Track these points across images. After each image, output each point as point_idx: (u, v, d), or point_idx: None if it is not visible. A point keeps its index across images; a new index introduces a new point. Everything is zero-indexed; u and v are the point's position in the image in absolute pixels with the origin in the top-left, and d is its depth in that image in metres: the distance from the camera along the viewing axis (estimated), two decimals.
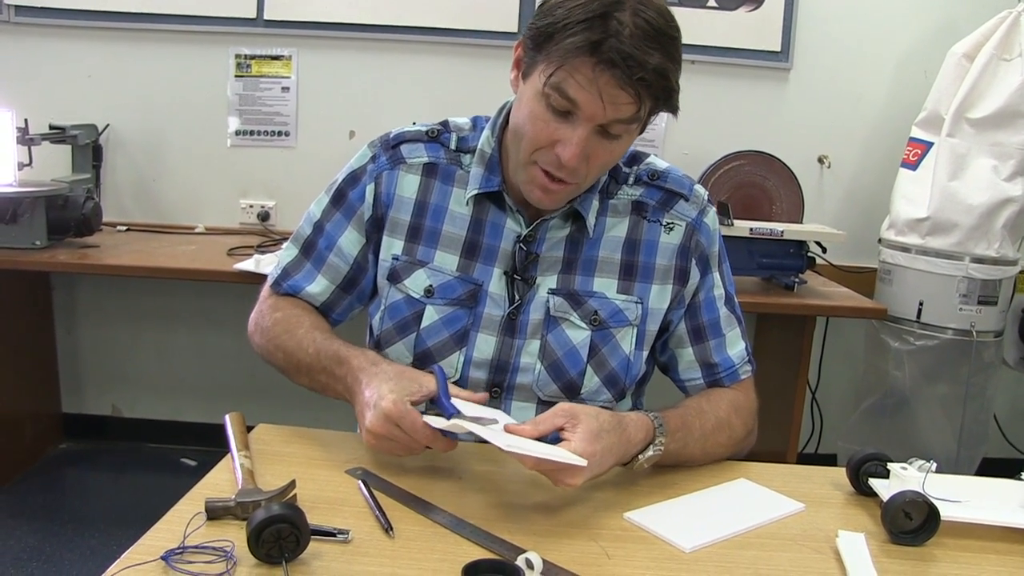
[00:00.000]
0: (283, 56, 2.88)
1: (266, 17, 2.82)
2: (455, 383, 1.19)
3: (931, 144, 2.57)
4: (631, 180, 1.26)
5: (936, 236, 2.53)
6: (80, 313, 3.06)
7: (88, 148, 2.77)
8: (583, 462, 0.96)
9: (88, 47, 2.86)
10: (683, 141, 2.88)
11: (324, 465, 1.09)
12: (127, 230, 2.84)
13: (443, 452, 1.06)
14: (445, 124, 1.29)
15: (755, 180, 2.77)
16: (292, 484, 0.96)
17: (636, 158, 1.28)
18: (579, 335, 1.21)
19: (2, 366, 2.72)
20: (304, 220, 1.31)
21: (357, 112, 2.90)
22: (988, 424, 2.75)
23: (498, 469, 1.12)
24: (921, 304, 2.56)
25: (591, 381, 1.22)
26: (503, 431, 1.01)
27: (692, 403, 1.23)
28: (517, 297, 1.22)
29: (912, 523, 0.98)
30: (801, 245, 2.47)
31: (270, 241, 2.73)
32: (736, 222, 2.42)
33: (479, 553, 0.89)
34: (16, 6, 2.81)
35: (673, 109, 1.10)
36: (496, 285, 1.22)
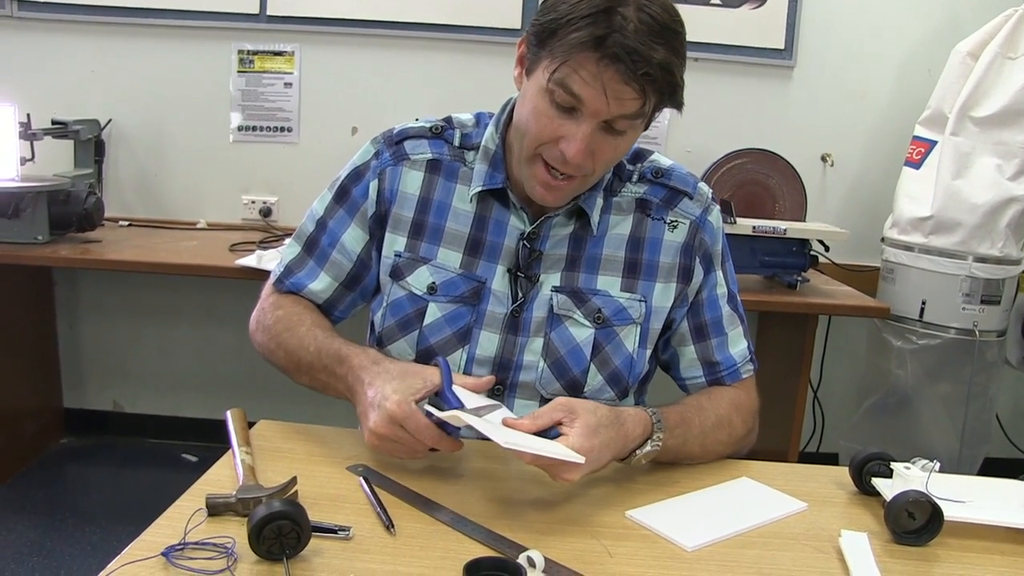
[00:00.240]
0: (286, 52, 2.87)
1: (269, 13, 2.82)
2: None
3: (935, 143, 2.56)
4: (635, 177, 1.26)
5: (939, 235, 2.53)
6: (82, 308, 3.06)
7: (90, 143, 2.77)
8: (580, 459, 0.95)
9: (90, 42, 2.86)
10: (686, 139, 2.87)
11: (325, 462, 1.09)
12: (129, 225, 2.84)
13: (449, 453, 1.05)
14: (448, 120, 1.28)
15: (758, 178, 2.76)
16: (293, 481, 0.96)
17: (640, 155, 1.28)
18: (582, 333, 1.21)
19: (3, 361, 2.73)
20: (307, 217, 1.31)
21: (359, 108, 2.89)
22: (990, 424, 2.75)
23: (500, 466, 1.11)
24: (924, 303, 2.56)
25: (594, 379, 1.21)
26: (502, 425, 1.01)
27: (692, 400, 1.23)
28: (520, 294, 1.21)
29: (915, 523, 0.98)
30: (804, 243, 2.46)
31: (272, 237, 2.73)
32: (739, 220, 2.42)
33: (481, 551, 0.89)
34: (19, 1, 2.81)
35: (678, 105, 1.09)
36: (499, 282, 1.22)
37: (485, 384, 1.12)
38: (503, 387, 1.22)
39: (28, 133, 2.47)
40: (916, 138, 2.64)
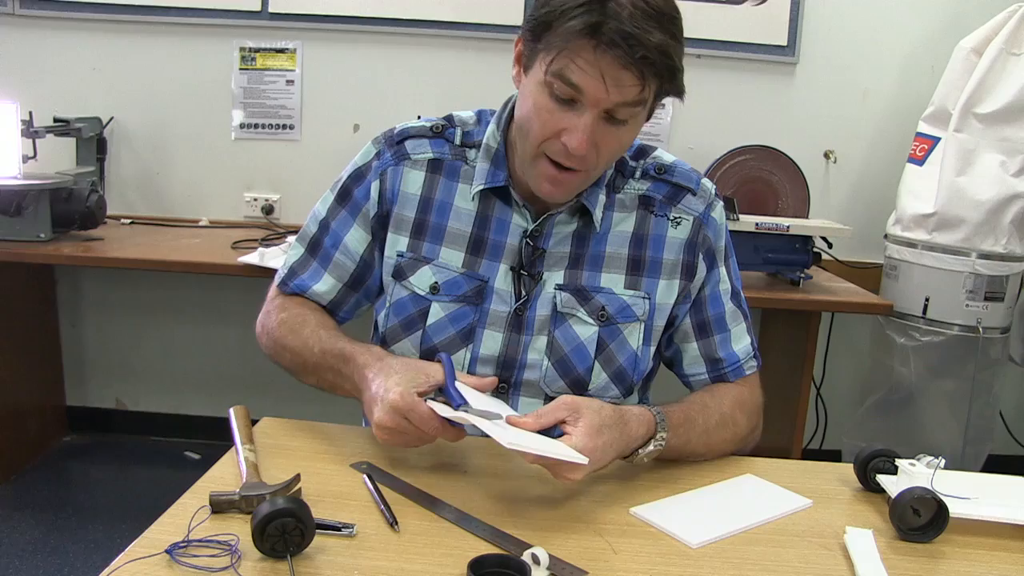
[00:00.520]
0: (288, 49, 2.87)
1: (271, 10, 2.82)
2: None
3: (938, 139, 2.56)
4: (638, 174, 1.25)
5: (943, 232, 2.52)
6: (84, 306, 3.07)
7: (92, 141, 2.77)
8: (584, 460, 0.95)
9: (92, 40, 2.86)
10: (688, 135, 2.87)
11: (329, 459, 1.09)
12: (131, 223, 2.84)
13: (451, 442, 1.06)
14: (449, 119, 1.28)
15: (761, 175, 2.76)
16: (297, 478, 0.96)
17: (643, 151, 1.27)
18: (587, 331, 1.21)
19: (6, 359, 2.73)
20: (309, 219, 1.31)
21: (362, 105, 2.89)
22: (994, 421, 2.75)
23: (503, 463, 1.11)
24: (927, 300, 2.56)
25: (599, 377, 1.21)
26: (505, 424, 1.01)
27: (696, 398, 1.23)
28: (524, 293, 1.21)
29: (920, 520, 0.98)
30: (807, 240, 2.46)
31: (274, 234, 2.73)
32: (742, 217, 2.42)
33: (485, 548, 0.89)
34: None
35: (679, 91, 1.09)
36: (502, 281, 1.22)
37: (488, 384, 1.12)
38: (507, 385, 1.22)
39: (30, 131, 2.47)
40: (919, 135, 2.64)
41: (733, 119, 2.88)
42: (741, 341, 1.28)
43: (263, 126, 2.92)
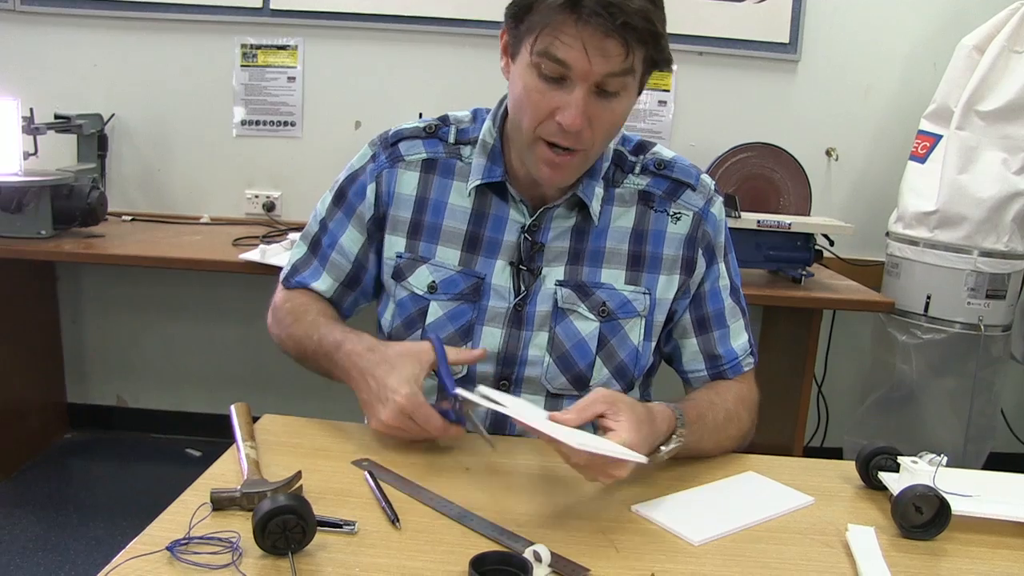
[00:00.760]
0: (289, 46, 2.87)
1: (272, 7, 2.82)
2: (463, 378, 1.20)
3: (940, 137, 2.55)
4: (637, 169, 1.25)
5: (944, 229, 2.52)
6: (85, 303, 3.07)
7: (93, 138, 2.77)
8: (643, 459, 0.94)
9: (94, 36, 2.85)
10: (690, 133, 2.86)
11: (330, 456, 1.09)
12: (132, 220, 2.84)
13: (453, 439, 1.09)
14: (444, 119, 1.28)
15: (762, 172, 2.75)
16: (298, 475, 0.96)
17: (642, 147, 1.27)
18: (588, 327, 1.21)
19: (7, 356, 2.73)
20: (312, 217, 1.33)
21: (363, 102, 2.89)
22: (995, 418, 2.74)
23: (505, 460, 1.11)
24: (929, 298, 2.55)
25: (600, 373, 1.21)
26: (547, 420, 0.98)
27: (702, 395, 1.23)
28: (523, 288, 1.21)
29: (922, 517, 0.98)
30: (808, 238, 2.45)
31: (275, 231, 2.72)
32: (743, 214, 2.41)
33: (486, 545, 0.89)
34: None
35: (666, 59, 1.09)
36: (499, 277, 1.22)
37: (477, 356, 1.16)
38: (508, 382, 1.22)
39: (31, 127, 2.47)
40: (921, 132, 2.63)
41: (735, 116, 2.87)
42: (739, 338, 1.29)
43: (264, 123, 2.92)
